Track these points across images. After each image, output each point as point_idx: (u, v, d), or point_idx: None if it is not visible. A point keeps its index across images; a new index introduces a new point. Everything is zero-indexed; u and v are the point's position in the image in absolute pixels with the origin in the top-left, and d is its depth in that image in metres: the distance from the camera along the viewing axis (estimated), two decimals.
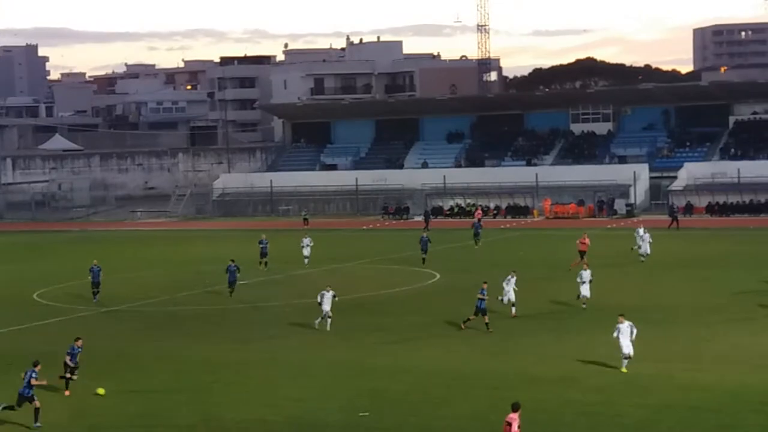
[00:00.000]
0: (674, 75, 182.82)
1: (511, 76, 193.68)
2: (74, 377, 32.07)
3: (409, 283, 54.25)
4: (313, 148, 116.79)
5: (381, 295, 50.71)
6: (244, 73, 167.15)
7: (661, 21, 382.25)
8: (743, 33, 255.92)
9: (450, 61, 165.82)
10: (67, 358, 32.35)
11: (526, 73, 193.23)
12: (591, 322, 40.52)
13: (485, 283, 40.67)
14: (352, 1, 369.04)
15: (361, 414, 29.22)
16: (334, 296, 41.52)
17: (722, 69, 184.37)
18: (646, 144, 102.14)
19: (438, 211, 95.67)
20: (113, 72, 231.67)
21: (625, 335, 32.65)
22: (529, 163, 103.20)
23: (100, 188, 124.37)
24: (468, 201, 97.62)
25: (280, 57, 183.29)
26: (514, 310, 42.58)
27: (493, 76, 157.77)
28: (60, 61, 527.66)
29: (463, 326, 40.41)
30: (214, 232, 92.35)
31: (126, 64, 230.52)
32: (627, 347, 32.61)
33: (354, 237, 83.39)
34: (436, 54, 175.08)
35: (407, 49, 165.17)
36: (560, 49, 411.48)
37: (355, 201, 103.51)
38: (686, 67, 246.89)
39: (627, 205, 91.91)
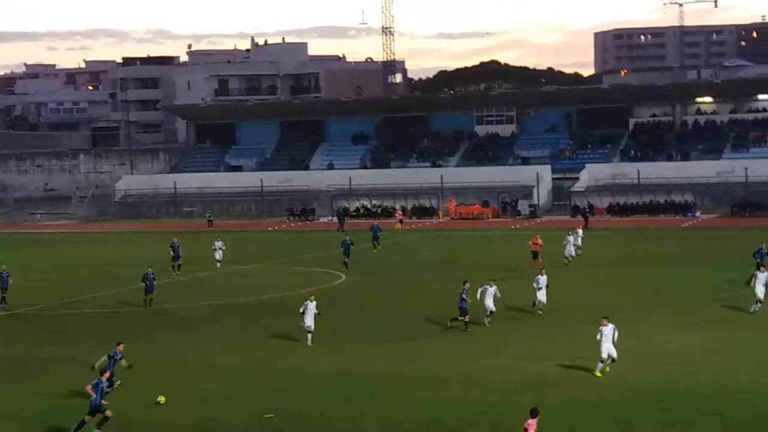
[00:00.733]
0: (576, 78, 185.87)
1: (416, 78, 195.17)
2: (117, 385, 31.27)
3: (314, 285, 54.14)
4: (218, 150, 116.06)
5: (287, 297, 50.50)
6: (147, 73, 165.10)
7: (563, 25, 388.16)
8: (643, 37, 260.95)
9: (355, 62, 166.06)
10: (102, 358, 31.45)
11: (431, 75, 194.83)
12: (495, 323, 40.91)
13: (466, 282, 40.67)
14: (256, 2, 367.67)
15: (266, 416, 29.11)
16: (317, 312, 38.43)
17: (622, 72, 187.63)
18: (549, 146, 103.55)
19: (344, 213, 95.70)
20: (12, 72, 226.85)
21: (608, 338, 32.14)
22: (434, 165, 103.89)
23: None
24: (374, 202, 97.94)
25: (184, 58, 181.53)
26: (488, 321, 40.93)
27: (398, 78, 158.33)
28: None
29: (450, 324, 40.35)
30: (116, 234, 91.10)
31: (25, 64, 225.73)
32: (607, 350, 32.11)
33: (259, 239, 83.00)
34: (341, 56, 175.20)
35: (312, 51, 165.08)
36: (464, 52, 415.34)
37: (260, 202, 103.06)
38: (588, 71, 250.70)
39: (530, 206, 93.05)
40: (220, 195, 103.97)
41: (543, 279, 43.02)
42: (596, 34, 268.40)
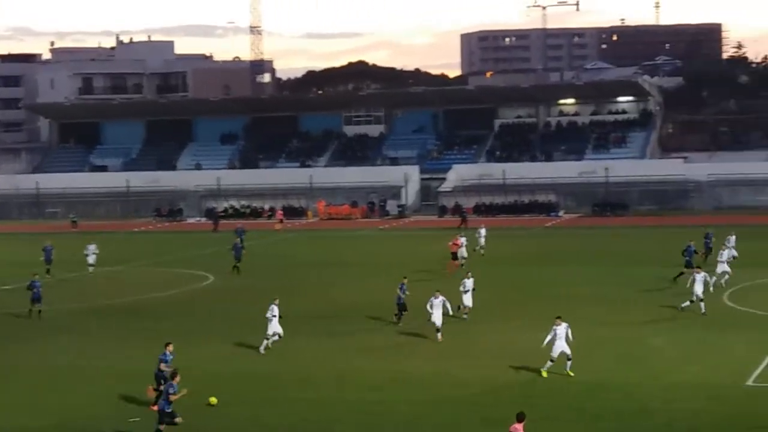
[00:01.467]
0: (443, 79, 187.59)
1: (284, 78, 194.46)
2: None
3: (182, 286, 53.64)
4: (82, 149, 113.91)
5: (154, 298, 49.92)
6: (8, 71, 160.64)
7: (430, 26, 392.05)
8: (507, 39, 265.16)
9: (223, 62, 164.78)
10: (162, 365, 30.11)
11: (299, 75, 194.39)
12: (368, 322, 41.15)
13: (405, 278, 40.95)
14: None
15: (131, 419, 28.75)
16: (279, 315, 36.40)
17: (488, 74, 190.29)
18: (417, 146, 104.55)
19: (215, 213, 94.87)
20: None
21: (561, 337, 31.94)
22: (303, 165, 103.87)
23: None
24: (243, 203, 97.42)
25: (47, 55, 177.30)
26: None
27: (266, 77, 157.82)
28: None
29: (396, 319, 40.38)
30: None
31: None
32: (559, 348, 31.80)
33: (125, 240, 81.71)
34: (208, 55, 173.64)
35: (179, 50, 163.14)
36: (333, 52, 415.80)
37: (126, 203, 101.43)
38: (454, 72, 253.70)
39: (399, 206, 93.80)
40: (84, 195, 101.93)
41: (469, 282, 41.90)
42: (462, 36, 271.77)
